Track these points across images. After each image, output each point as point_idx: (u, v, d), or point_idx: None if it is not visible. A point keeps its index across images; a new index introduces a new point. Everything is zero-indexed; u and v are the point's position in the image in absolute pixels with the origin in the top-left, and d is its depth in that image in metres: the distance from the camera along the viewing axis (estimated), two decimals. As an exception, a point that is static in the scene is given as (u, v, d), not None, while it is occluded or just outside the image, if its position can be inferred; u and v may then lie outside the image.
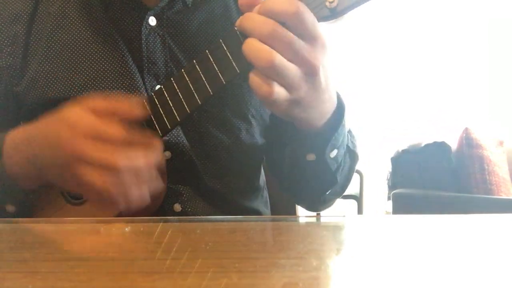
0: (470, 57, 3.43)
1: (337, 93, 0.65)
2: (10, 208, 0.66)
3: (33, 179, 0.64)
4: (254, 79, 0.53)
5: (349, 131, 0.78)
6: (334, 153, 0.68)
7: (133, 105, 0.58)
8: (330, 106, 0.63)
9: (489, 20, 3.41)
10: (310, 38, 0.53)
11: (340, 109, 0.65)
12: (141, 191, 0.56)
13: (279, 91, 0.53)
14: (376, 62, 3.48)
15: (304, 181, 0.76)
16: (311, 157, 0.68)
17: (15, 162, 0.62)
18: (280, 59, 0.52)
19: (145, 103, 0.62)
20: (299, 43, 0.52)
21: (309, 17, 0.52)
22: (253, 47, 0.53)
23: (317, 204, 0.83)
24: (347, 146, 0.74)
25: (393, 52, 3.47)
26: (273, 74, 0.52)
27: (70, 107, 0.58)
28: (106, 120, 0.56)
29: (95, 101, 0.58)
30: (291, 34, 0.52)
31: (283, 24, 0.52)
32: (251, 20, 0.53)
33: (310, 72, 0.54)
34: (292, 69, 0.53)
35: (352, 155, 0.77)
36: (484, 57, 3.43)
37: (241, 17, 0.54)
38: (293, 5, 0.51)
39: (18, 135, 0.63)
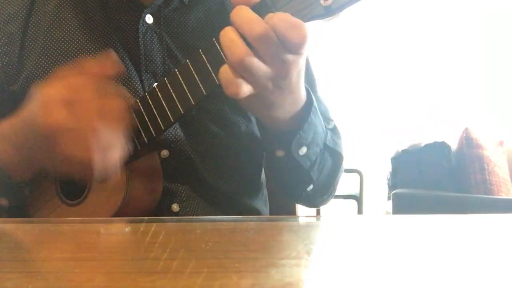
0: (471, 57, 3.43)
1: (307, 90, 0.64)
2: (3, 201, 0.66)
3: (24, 169, 0.64)
4: (223, 75, 0.53)
5: (333, 129, 0.78)
6: (303, 151, 0.68)
7: (103, 64, 0.57)
8: (295, 106, 0.62)
9: (490, 19, 3.41)
10: (297, 52, 0.53)
11: (307, 107, 0.65)
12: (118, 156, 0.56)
13: (246, 89, 0.53)
14: (375, 62, 3.48)
15: (279, 177, 0.77)
16: (280, 153, 0.68)
17: (4, 152, 0.62)
18: (251, 59, 0.51)
19: (138, 103, 0.62)
20: (283, 53, 0.52)
21: (307, 44, 0.52)
22: (227, 39, 0.52)
23: (302, 199, 0.83)
24: (325, 144, 0.73)
25: (393, 52, 3.47)
26: (242, 70, 0.52)
27: (46, 88, 0.57)
28: (79, 90, 0.55)
29: (67, 77, 0.57)
30: (279, 43, 0.51)
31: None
32: (244, 16, 0.51)
33: (281, 75, 0.54)
34: (263, 69, 0.52)
35: (333, 154, 0.76)
36: (484, 57, 3.43)
37: (235, 8, 0.52)
38: (301, 36, 0.50)
39: (3, 127, 0.63)
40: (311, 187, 0.76)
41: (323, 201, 0.84)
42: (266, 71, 0.52)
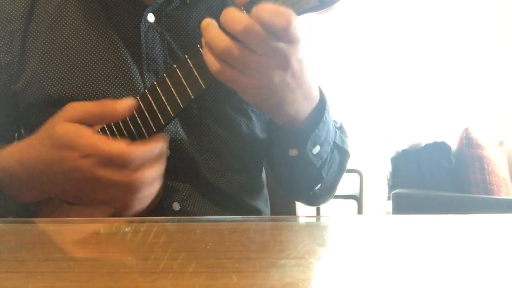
0: (471, 57, 3.43)
1: (319, 88, 0.65)
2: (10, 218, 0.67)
3: (34, 194, 0.65)
4: (207, 55, 0.55)
5: (340, 128, 0.79)
6: (316, 149, 0.69)
7: (120, 106, 0.59)
8: (308, 104, 0.63)
9: (491, 19, 3.41)
10: (286, 38, 0.53)
11: (321, 106, 0.66)
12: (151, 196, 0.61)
13: (235, 75, 0.54)
14: (375, 61, 3.48)
15: (290, 176, 0.77)
16: (293, 152, 0.69)
17: (10, 182, 0.63)
18: (234, 50, 0.52)
19: (139, 99, 0.62)
20: (274, 41, 0.53)
21: (295, 29, 0.52)
22: (208, 36, 0.54)
23: (307, 198, 0.83)
24: (335, 142, 0.74)
25: (393, 51, 3.47)
26: (230, 61, 0.53)
27: (60, 124, 0.58)
28: (106, 138, 0.58)
29: (82, 111, 0.59)
30: (266, 35, 0.52)
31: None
32: (228, 16, 0.53)
33: (282, 65, 0.55)
34: (255, 59, 0.53)
35: (341, 151, 0.77)
36: (484, 57, 3.43)
37: (223, 11, 0.54)
38: (283, 21, 0.51)
39: (7, 157, 0.63)
40: (319, 186, 0.76)
41: (325, 200, 0.84)
42: (259, 61, 0.53)
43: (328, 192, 0.81)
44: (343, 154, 0.78)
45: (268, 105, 0.60)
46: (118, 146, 0.57)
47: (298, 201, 0.89)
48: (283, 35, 0.52)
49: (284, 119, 0.64)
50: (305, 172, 0.73)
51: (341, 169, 0.79)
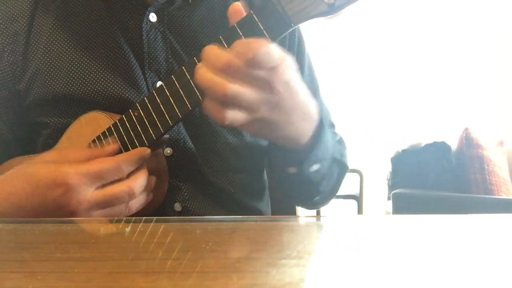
0: (470, 57, 3.43)
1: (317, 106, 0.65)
2: None
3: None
4: (207, 106, 0.54)
5: (340, 141, 0.81)
6: (316, 167, 0.69)
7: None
8: (308, 124, 0.63)
9: (491, 20, 3.41)
10: (266, 67, 0.53)
11: (320, 126, 0.66)
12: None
13: (235, 116, 0.53)
14: (375, 62, 3.48)
15: (288, 191, 0.80)
16: (292, 170, 0.70)
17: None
18: (232, 89, 0.52)
19: (146, 100, 0.62)
20: (254, 71, 0.52)
21: (266, 55, 0.52)
22: (204, 78, 0.53)
23: (307, 206, 0.87)
24: (334, 157, 0.75)
25: (393, 51, 3.47)
26: (227, 101, 0.53)
27: (59, 170, 0.59)
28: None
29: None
30: (244, 66, 0.52)
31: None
32: (209, 52, 0.53)
33: (267, 91, 0.54)
34: (247, 93, 0.53)
35: (340, 165, 0.79)
36: (484, 57, 3.43)
37: (204, 48, 0.54)
38: (251, 51, 0.51)
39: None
40: (318, 197, 0.78)
41: (325, 204, 0.86)
42: (249, 93, 0.53)
43: (327, 199, 0.83)
44: (342, 167, 0.80)
45: (269, 131, 0.60)
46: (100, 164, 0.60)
47: (298, 206, 0.92)
48: (256, 63, 0.52)
49: (283, 142, 0.64)
50: (304, 186, 0.74)
51: (339, 180, 0.81)
